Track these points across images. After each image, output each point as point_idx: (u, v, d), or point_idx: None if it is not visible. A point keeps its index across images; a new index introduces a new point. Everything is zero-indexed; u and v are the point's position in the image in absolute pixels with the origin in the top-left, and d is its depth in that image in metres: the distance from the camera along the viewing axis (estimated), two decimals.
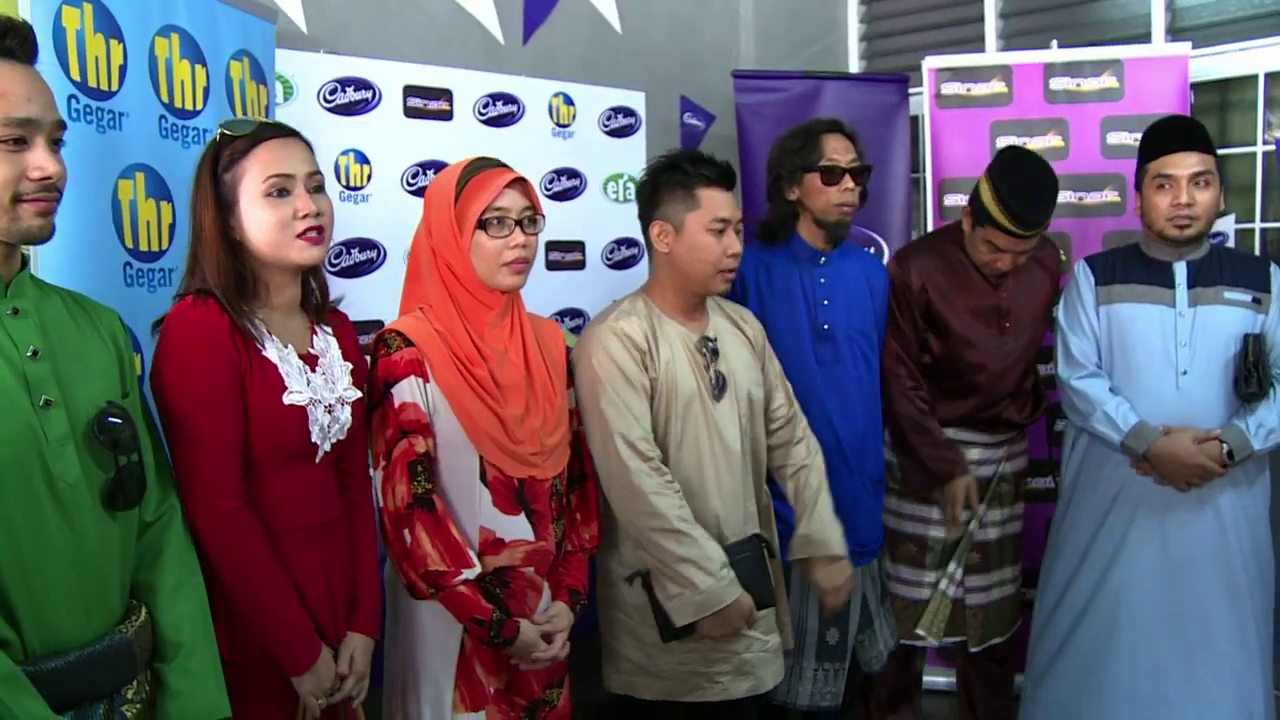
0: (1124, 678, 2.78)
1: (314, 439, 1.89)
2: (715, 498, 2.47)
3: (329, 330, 2.02)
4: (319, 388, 1.91)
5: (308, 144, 1.93)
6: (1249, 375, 2.65)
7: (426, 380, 2.10)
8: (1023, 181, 2.87)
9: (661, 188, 2.50)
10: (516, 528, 2.16)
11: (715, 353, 2.53)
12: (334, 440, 1.94)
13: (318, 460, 1.93)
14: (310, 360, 1.93)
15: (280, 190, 1.84)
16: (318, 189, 1.91)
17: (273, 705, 1.89)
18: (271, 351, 1.86)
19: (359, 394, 2.01)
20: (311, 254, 1.89)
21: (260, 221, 1.84)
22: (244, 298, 1.86)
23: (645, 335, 2.45)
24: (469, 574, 2.08)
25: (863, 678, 3.13)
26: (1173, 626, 2.74)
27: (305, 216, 1.85)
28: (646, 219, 2.54)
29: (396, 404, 2.08)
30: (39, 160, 1.48)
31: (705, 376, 2.50)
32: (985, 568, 3.13)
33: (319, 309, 2.01)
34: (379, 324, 2.18)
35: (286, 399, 1.85)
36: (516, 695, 2.20)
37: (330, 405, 1.92)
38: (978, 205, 2.94)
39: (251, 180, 1.83)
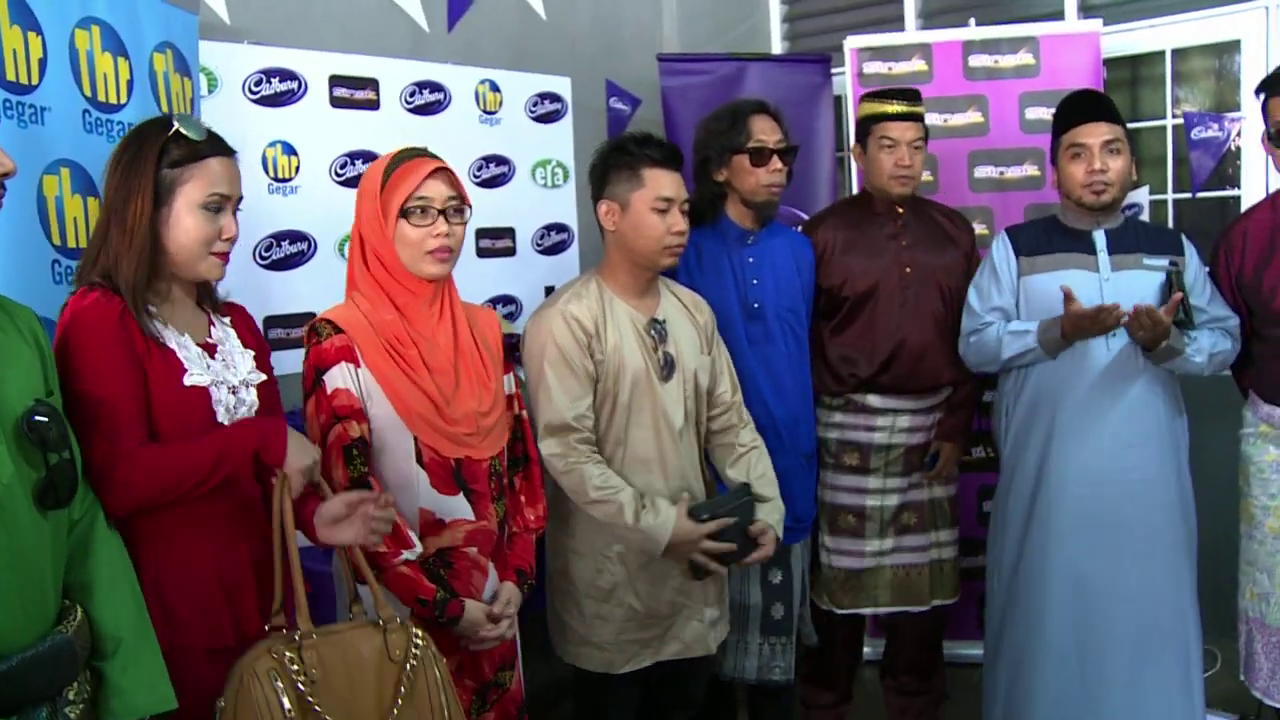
0: (1067, 632, 2.86)
1: (220, 419, 1.89)
2: (661, 475, 2.55)
3: (226, 321, 2.03)
4: (219, 371, 1.92)
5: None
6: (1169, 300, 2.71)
7: (358, 365, 2.12)
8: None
9: (610, 169, 2.56)
10: (456, 508, 2.19)
11: (664, 335, 2.59)
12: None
13: None
14: (209, 348, 1.93)
15: (217, 208, 1.88)
16: (235, 211, 1.95)
17: None
18: (169, 338, 1.86)
19: (263, 377, 2.02)
20: (220, 272, 1.95)
21: (188, 232, 1.86)
22: (148, 290, 1.87)
23: (594, 318, 2.51)
24: (409, 554, 2.09)
25: (805, 651, 3.19)
26: (1111, 582, 2.83)
27: (227, 240, 1.90)
28: (596, 199, 2.60)
29: (329, 390, 2.10)
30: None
31: (653, 357, 2.56)
32: (922, 528, 3.20)
33: (214, 303, 2.03)
34: (311, 315, 2.19)
35: (187, 380, 1.84)
36: (467, 677, 2.22)
37: (234, 387, 1.93)
38: (861, 122, 3.19)
39: (195, 188, 1.85)
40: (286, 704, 1.72)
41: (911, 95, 3.16)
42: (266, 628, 1.86)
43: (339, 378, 2.11)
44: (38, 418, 1.52)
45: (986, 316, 2.93)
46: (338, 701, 1.79)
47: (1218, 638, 3.45)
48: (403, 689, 1.86)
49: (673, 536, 2.45)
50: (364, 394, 2.13)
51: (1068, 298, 2.70)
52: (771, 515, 2.64)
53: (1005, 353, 2.87)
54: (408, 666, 1.88)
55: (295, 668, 1.76)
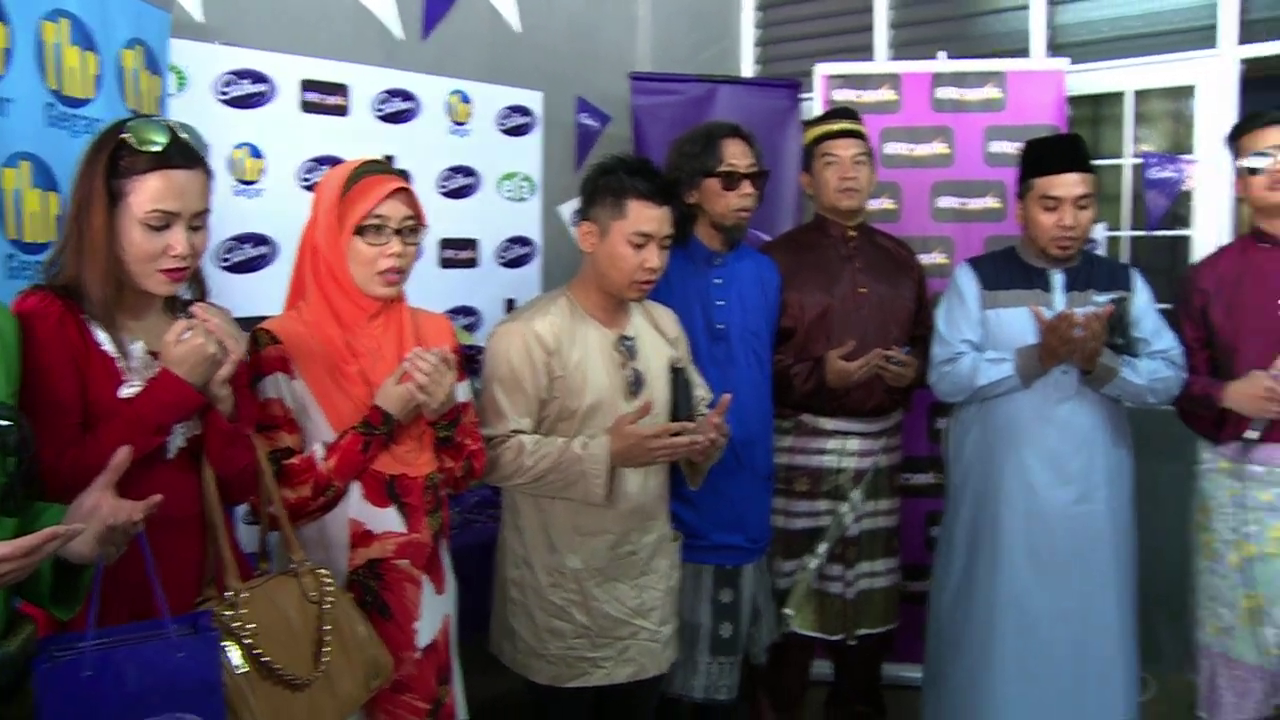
0: (1010, 659, 2.91)
1: None
2: (628, 482, 2.54)
3: None
4: None
5: (208, 172, 1.88)
6: (1113, 328, 2.80)
7: (292, 377, 2.12)
8: None
9: (598, 190, 2.54)
10: (387, 520, 2.18)
11: (633, 351, 2.59)
12: (188, 435, 1.88)
13: (170, 456, 1.86)
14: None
15: (160, 225, 1.80)
16: (200, 226, 1.86)
17: None
18: (110, 346, 1.81)
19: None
20: (169, 289, 1.86)
21: (130, 246, 1.80)
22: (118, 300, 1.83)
23: (556, 335, 2.50)
24: (318, 452, 2.11)
25: (752, 671, 3.20)
26: (1055, 611, 2.88)
27: (175, 256, 1.81)
28: (581, 215, 2.58)
29: (260, 399, 2.10)
30: None
31: (621, 374, 2.55)
32: (855, 559, 3.19)
33: (184, 305, 1.95)
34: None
35: (122, 392, 1.80)
36: (417, 697, 2.19)
37: None
38: (807, 150, 3.25)
39: (137, 202, 1.78)
40: (235, 660, 1.81)
41: (851, 114, 3.22)
42: (197, 601, 1.86)
43: (271, 388, 2.11)
44: (1, 422, 1.50)
45: (959, 346, 2.96)
46: (279, 647, 1.90)
47: (1149, 665, 3.50)
48: (327, 625, 1.99)
49: (612, 444, 2.42)
50: (297, 406, 2.13)
51: (1040, 319, 2.77)
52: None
53: (979, 380, 2.90)
54: (325, 604, 2.00)
55: (236, 625, 1.84)
